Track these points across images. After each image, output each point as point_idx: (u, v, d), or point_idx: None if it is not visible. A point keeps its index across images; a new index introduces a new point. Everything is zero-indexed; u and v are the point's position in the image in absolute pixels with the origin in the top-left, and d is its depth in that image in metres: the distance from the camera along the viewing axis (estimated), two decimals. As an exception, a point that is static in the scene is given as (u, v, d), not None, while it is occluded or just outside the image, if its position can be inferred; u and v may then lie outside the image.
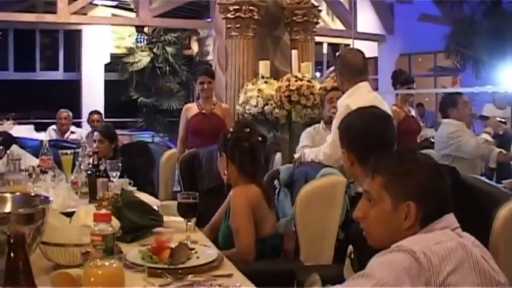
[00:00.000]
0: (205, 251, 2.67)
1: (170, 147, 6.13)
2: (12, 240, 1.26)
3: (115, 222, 2.64)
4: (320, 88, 6.36)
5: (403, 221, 1.97)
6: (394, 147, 2.81)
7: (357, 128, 2.73)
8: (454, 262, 1.79)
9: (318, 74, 11.59)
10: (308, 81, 6.30)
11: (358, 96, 4.22)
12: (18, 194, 2.23)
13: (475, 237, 2.63)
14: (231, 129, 3.69)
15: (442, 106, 5.92)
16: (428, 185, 2.01)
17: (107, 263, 1.81)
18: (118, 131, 7.62)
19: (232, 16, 7.01)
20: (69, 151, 4.34)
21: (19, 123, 7.60)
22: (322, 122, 5.22)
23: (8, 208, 2.14)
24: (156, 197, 5.37)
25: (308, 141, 5.13)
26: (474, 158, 5.59)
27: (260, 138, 3.62)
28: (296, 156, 4.54)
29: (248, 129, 3.61)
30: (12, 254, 1.26)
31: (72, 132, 8.67)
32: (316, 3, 7.66)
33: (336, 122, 4.22)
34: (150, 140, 11.74)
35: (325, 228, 3.55)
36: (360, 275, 1.79)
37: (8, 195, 2.20)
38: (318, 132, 5.17)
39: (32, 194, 2.26)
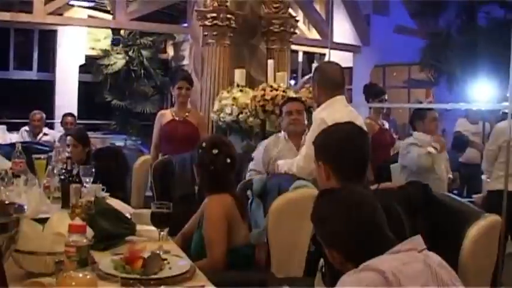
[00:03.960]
0: (178, 262, 2.67)
1: (143, 153, 6.11)
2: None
3: (88, 231, 2.63)
4: (295, 98, 6.39)
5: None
6: (369, 162, 2.84)
7: (334, 142, 2.75)
8: (421, 282, 1.83)
9: (292, 82, 11.64)
10: (283, 91, 6.32)
11: (333, 109, 4.24)
12: (-9, 202, 2.22)
13: (446, 253, 2.69)
14: (203, 144, 3.68)
15: (411, 119, 6.09)
16: (340, 230, 2.08)
17: (80, 275, 1.82)
18: (91, 134, 7.59)
19: (210, 24, 7.01)
20: (42, 155, 4.32)
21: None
22: (283, 132, 5.14)
23: (-20, 216, 2.13)
24: (128, 202, 5.37)
25: (256, 164, 5.08)
26: (422, 171, 5.65)
27: (229, 160, 3.61)
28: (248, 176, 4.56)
29: (216, 151, 3.59)
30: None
31: (45, 134, 8.62)
32: (293, 14, 7.69)
33: (310, 135, 4.25)
34: (122, 143, 11.70)
35: (296, 241, 3.56)
36: (330, 295, 1.82)
37: (-19, 203, 2.19)
38: (279, 141, 5.09)
39: (6, 202, 2.25)
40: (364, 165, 2.76)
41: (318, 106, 4.41)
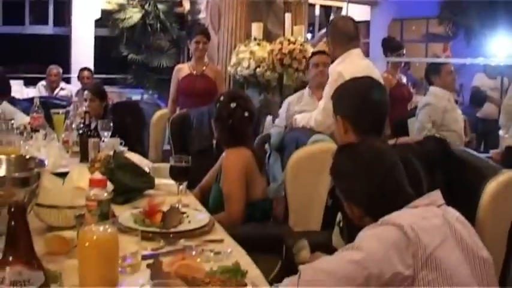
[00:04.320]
0: (197, 215, 2.69)
1: (160, 107, 6.12)
2: (13, 209, 1.27)
3: (108, 185, 2.66)
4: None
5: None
6: (387, 116, 2.84)
7: (353, 96, 2.75)
8: (439, 237, 1.83)
9: (309, 36, 11.54)
10: (300, 44, 6.29)
11: (350, 63, 4.22)
12: (13, 156, 2.24)
13: (464, 209, 2.69)
14: (221, 98, 3.67)
15: (427, 74, 5.97)
16: (359, 186, 2.12)
17: (101, 228, 1.84)
18: (107, 88, 7.58)
19: (226, -24, 6.97)
20: (60, 110, 4.34)
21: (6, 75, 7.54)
22: (307, 88, 5.15)
23: (3, 170, 2.15)
24: (146, 156, 5.40)
25: (280, 120, 5.06)
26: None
27: (246, 114, 3.60)
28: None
29: (234, 105, 3.58)
30: (13, 223, 1.28)
31: (62, 89, 8.65)
32: (311, -34, 7.61)
33: (327, 89, 4.23)
34: (139, 97, 11.70)
35: (314, 195, 3.57)
36: (350, 247, 1.83)
37: (2, 157, 2.21)
38: (303, 98, 5.11)
39: (27, 157, 2.26)
40: (382, 119, 2.76)
41: (334, 60, 4.40)
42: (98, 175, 2.09)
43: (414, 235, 1.78)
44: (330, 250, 2.87)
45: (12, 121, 3.61)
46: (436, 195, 2.03)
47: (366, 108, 2.68)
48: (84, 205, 2.05)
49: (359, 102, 2.70)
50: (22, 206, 1.29)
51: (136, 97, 11.72)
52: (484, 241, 2.56)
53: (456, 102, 7.74)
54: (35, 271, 1.28)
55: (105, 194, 1.98)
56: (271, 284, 2.30)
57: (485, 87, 8.47)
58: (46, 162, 3.31)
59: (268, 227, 3.59)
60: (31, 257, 1.28)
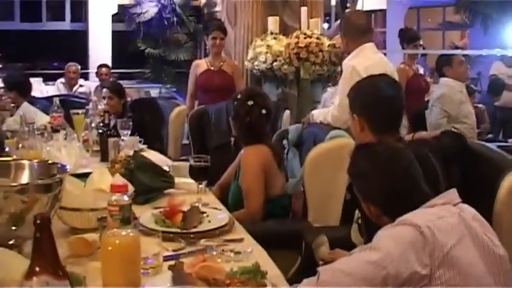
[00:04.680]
0: (217, 215, 2.72)
1: (179, 104, 6.16)
2: (38, 221, 1.32)
3: (129, 188, 2.70)
4: (329, 45, 6.36)
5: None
6: (402, 114, 2.86)
7: (368, 94, 2.77)
8: (456, 236, 1.86)
9: (326, 26, 11.50)
10: (317, 38, 6.28)
11: (364, 57, 4.25)
12: (35, 161, 2.28)
13: (481, 203, 2.70)
14: (238, 96, 3.71)
15: (438, 65, 5.93)
16: (376, 186, 2.14)
17: (123, 233, 1.88)
18: (125, 83, 7.63)
19: (242, -31, 6.97)
20: (80, 111, 4.39)
21: (27, 75, 7.63)
22: None
23: (25, 175, 2.19)
24: (165, 152, 5.46)
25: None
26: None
27: (264, 112, 3.63)
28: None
29: (251, 102, 3.61)
30: (38, 234, 1.32)
31: (81, 86, 8.73)
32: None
33: (341, 84, 4.26)
34: (157, 92, 11.75)
35: (333, 190, 3.59)
36: (367, 248, 1.86)
37: (25, 162, 2.25)
38: (336, 92, 5.14)
39: (49, 162, 2.30)
40: (397, 117, 2.78)
41: (348, 55, 4.42)
42: (118, 180, 2.13)
43: (431, 234, 1.81)
44: (349, 245, 2.91)
45: (34, 124, 3.65)
46: (453, 193, 2.05)
47: (381, 106, 2.70)
48: (106, 207, 2.09)
49: (374, 101, 2.72)
50: (47, 218, 1.33)
51: (154, 91, 11.79)
52: (501, 235, 2.58)
53: (474, 91, 7.74)
54: (61, 281, 1.32)
55: (126, 199, 2.01)
56: (290, 282, 2.34)
57: (503, 76, 8.44)
58: (68, 167, 3.40)
59: (288, 223, 3.62)
60: (57, 267, 1.32)
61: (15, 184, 2.04)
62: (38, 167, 2.21)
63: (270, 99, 3.86)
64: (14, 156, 2.97)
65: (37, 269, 1.30)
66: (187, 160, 4.20)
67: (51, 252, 1.32)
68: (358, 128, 2.74)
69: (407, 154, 2.14)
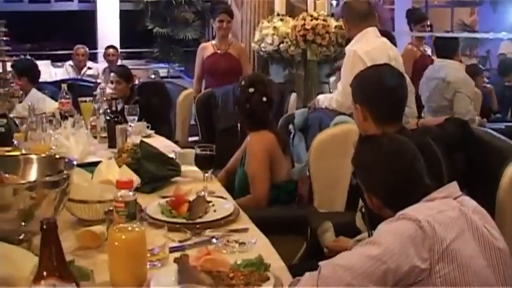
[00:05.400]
0: (223, 204, 2.75)
1: (186, 88, 6.19)
2: (45, 226, 1.36)
3: (136, 178, 2.75)
4: (335, 27, 6.37)
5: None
6: (405, 103, 2.88)
7: (370, 84, 2.79)
8: (456, 230, 1.88)
9: (334, 2, 11.42)
10: (323, 20, 6.30)
11: (366, 42, 4.26)
12: (43, 156, 2.32)
13: (484, 191, 2.74)
14: (242, 82, 3.74)
15: (446, 47, 5.72)
16: (379, 178, 2.16)
17: (129, 228, 1.92)
18: (134, 63, 7.62)
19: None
20: (88, 98, 4.42)
21: (36, 58, 7.67)
22: None
23: (34, 170, 2.23)
24: (173, 135, 5.51)
25: None
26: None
27: (264, 99, 3.65)
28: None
29: (252, 90, 3.64)
30: (45, 239, 1.36)
31: (89, 68, 8.77)
32: None
33: (343, 69, 4.28)
34: (166, 72, 11.76)
35: (338, 176, 3.62)
36: (368, 242, 1.89)
37: (33, 157, 2.30)
38: None
39: (57, 156, 2.34)
40: (399, 107, 2.80)
41: (351, 40, 4.43)
42: (124, 177, 2.17)
43: (430, 229, 1.84)
44: (354, 231, 2.95)
45: (43, 115, 3.69)
46: (453, 187, 2.08)
47: (383, 96, 2.72)
48: (113, 199, 2.13)
49: (376, 91, 2.74)
50: (53, 223, 1.37)
51: (163, 71, 11.79)
52: (504, 222, 2.62)
53: (482, 70, 7.72)
54: (68, 284, 1.36)
55: (132, 195, 2.05)
56: (296, 267, 2.38)
57: (511, 54, 8.41)
58: (73, 149, 3.44)
59: (293, 209, 3.67)
60: (64, 271, 1.36)
61: (23, 182, 2.09)
62: (46, 161, 2.25)
63: (273, 86, 3.88)
64: (23, 150, 3.00)
65: (44, 273, 1.35)
66: (195, 143, 4.24)
67: (57, 256, 1.36)
68: (361, 118, 2.76)
69: (412, 148, 2.16)
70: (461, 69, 5.61)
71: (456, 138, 3.04)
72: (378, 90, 2.74)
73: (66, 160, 2.21)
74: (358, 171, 2.29)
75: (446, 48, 5.69)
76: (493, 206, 2.67)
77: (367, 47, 4.16)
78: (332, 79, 6.54)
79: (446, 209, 1.93)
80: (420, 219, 1.85)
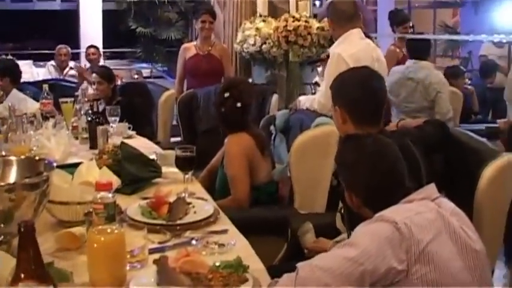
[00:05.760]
0: (203, 206, 2.75)
1: (168, 89, 6.20)
2: (22, 229, 1.36)
3: (116, 180, 2.75)
4: (317, 28, 6.39)
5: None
6: (384, 106, 2.89)
7: (349, 87, 2.80)
8: (433, 232, 1.90)
9: (318, 3, 11.46)
10: (305, 21, 6.32)
11: (349, 44, 4.27)
12: (22, 157, 2.33)
13: (463, 192, 2.77)
14: (221, 85, 3.78)
15: (422, 50, 5.80)
16: (361, 178, 2.17)
17: (108, 230, 1.93)
18: (117, 63, 7.58)
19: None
20: (69, 99, 4.42)
21: (18, 57, 7.65)
22: None
23: (13, 172, 2.24)
24: (155, 135, 5.51)
25: None
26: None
27: (239, 105, 3.65)
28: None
29: (227, 94, 3.67)
30: (23, 241, 1.37)
31: (71, 68, 8.73)
32: None
33: (327, 71, 4.29)
34: (149, 72, 11.75)
35: (319, 177, 3.64)
36: (346, 244, 1.90)
37: (13, 158, 2.29)
38: None
39: (36, 158, 2.35)
40: (379, 109, 2.80)
41: (335, 40, 4.45)
42: (103, 178, 2.17)
43: (407, 231, 1.85)
44: (334, 232, 2.97)
45: (23, 117, 3.67)
46: (431, 188, 2.10)
47: (362, 98, 2.72)
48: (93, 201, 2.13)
49: (355, 93, 2.74)
50: (31, 226, 1.38)
51: (145, 71, 11.78)
52: (482, 224, 2.66)
53: (464, 72, 7.78)
54: (45, 286, 1.36)
55: (111, 197, 2.06)
56: (276, 268, 2.40)
57: (493, 56, 8.46)
58: (54, 150, 3.43)
59: (274, 210, 3.67)
60: (41, 273, 1.37)
61: (2, 184, 2.08)
62: (25, 163, 2.25)
63: (252, 90, 3.86)
64: (3, 152, 3.00)
65: (22, 275, 1.35)
66: (177, 144, 4.23)
67: (35, 259, 1.37)
68: (340, 120, 2.77)
69: (395, 150, 2.18)
70: (438, 70, 5.67)
71: (435, 140, 3.07)
72: (357, 93, 2.74)
73: (46, 162, 2.21)
74: (340, 169, 2.31)
75: (419, 49, 5.74)
76: (471, 207, 2.71)
77: (352, 49, 4.18)
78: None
79: (424, 211, 1.95)
80: (397, 221, 1.87)
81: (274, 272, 2.09)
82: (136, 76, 10.46)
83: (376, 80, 2.84)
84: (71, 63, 8.87)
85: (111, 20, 13.37)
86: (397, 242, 1.84)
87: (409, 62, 5.67)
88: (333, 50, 4.33)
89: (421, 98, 5.47)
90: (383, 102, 2.84)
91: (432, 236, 1.90)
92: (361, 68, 2.99)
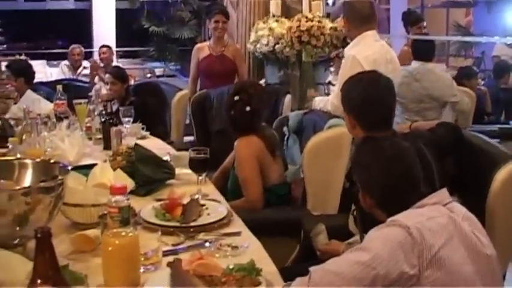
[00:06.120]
0: (216, 207, 2.77)
1: (181, 89, 6.22)
2: (39, 235, 1.38)
3: (130, 182, 2.77)
4: (330, 28, 6.38)
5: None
6: (393, 111, 2.89)
7: (357, 93, 2.79)
8: (444, 237, 1.91)
9: (330, 1, 11.44)
10: (318, 21, 6.29)
11: (364, 45, 4.26)
12: (38, 161, 2.35)
13: (475, 196, 2.76)
14: (234, 87, 3.79)
15: (429, 52, 5.82)
16: (376, 180, 2.17)
17: (123, 233, 1.95)
18: (130, 62, 7.59)
19: (245, -50, 6.97)
20: (82, 100, 4.44)
21: (31, 57, 7.70)
22: None
23: (29, 175, 2.27)
24: (169, 136, 5.53)
25: None
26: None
27: (248, 109, 3.66)
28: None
29: (237, 98, 3.69)
30: (39, 247, 1.39)
31: (85, 68, 8.78)
32: None
33: (341, 72, 4.29)
34: (162, 71, 11.76)
35: (331, 179, 3.64)
36: (359, 248, 1.92)
37: (28, 161, 2.32)
38: None
39: (51, 161, 2.37)
40: (387, 116, 2.79)
41: (350, 40, 4.45)
42: (118, 182, 2.19)
43: (419, 236, 1.86)
44: (347, 234, 2.98)
45: (37, 119, 3.69)
46: (443, 193, 2.10)
47: (369, 104, 2.72)
48: (107, 203, 2.15)
49: (362, 99, 2.74)
50: (48, 231, 1.39)
51: (158, 70, 11.81)
52: (494, 227, 2.65)
53: (477, 73, 7.76)
54: (62, 291, 1.39)
55: (126, 200, 2.08)
56: (289, 269, 2.41)
57: (506, 57, 8.43)
58: (68, 151, 3.45)
59: (287, 211, 3.68)
60: (58, 278, 1.39)
61: (18, 188, 2.11)
62: (41, 166, 2.28)
63: (260, 96, 3.81)
64: (18, 154, 3.03)
65: (39, 280, 1.37)
66: (190, 143, 4.24)
67: (51, 264, 1.39)
68: (350, 126, 2.80)
69: (412, 155, 2.18)
70: (445, 72, 5.68)
71: (447, 143, 3.06)
72: (364, 100, 2.74)
73: (61, 165, 2.24)
74: (356, 169, 2.31)
75: (424, 51, 5.74)
76: (483, 210, 2.70)
77: (366, 52, 4.17)
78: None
79: (436, 216, 1.96)
80: (410, 226, 1.88)
81: (287, 274, 2.10)
82: (149, 75, 10.50)
83: (383, 87, 2.83)
84: (85, 63, 8.91)
85: (124, 19, 13.40)
86: (409, 246, 1.85)
87: (415, 63, 5.65)
88: (347, 51, 4.33)
89: (430, 99, 5.47)
90: (391, 108, 2.83)
91: (444, 240, 1.90)
92: (369, 73, 3.00)
